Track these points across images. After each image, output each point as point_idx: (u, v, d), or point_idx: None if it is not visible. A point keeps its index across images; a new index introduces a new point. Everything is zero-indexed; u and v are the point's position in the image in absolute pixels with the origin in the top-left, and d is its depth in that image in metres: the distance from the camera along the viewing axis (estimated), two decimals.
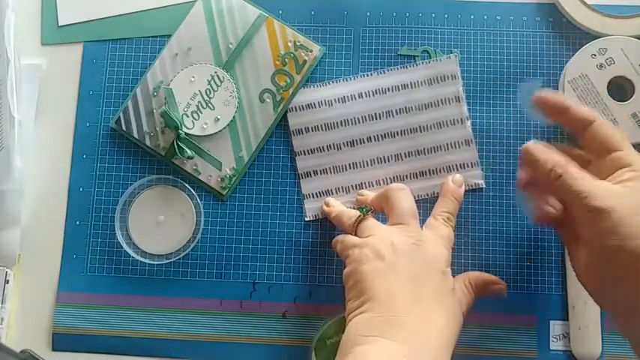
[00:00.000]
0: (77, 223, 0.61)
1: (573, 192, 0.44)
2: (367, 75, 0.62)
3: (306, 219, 0.60)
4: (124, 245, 0.60)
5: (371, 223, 0.53)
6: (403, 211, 0.52)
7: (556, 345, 0.58)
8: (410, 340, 0.45)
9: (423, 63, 0.62)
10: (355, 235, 0.53)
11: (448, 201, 0.56)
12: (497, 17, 0.63)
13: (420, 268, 0.49)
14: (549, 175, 0.46)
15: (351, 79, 0.62)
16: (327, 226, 0.60)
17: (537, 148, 0.49)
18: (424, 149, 0.60)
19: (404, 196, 0.53)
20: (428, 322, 0.47)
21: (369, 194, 0.58)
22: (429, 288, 0.48)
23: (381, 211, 0.55)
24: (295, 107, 0.61)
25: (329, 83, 0.62)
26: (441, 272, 0.50)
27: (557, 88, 0.61)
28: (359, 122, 0.61)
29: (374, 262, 0.49)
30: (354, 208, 0.58)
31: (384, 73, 0.62)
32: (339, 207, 0.58)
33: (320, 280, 0.59)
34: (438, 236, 0.52)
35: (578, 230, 0.46)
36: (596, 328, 0.57)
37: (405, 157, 0.60)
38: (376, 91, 0.61)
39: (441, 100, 0.60)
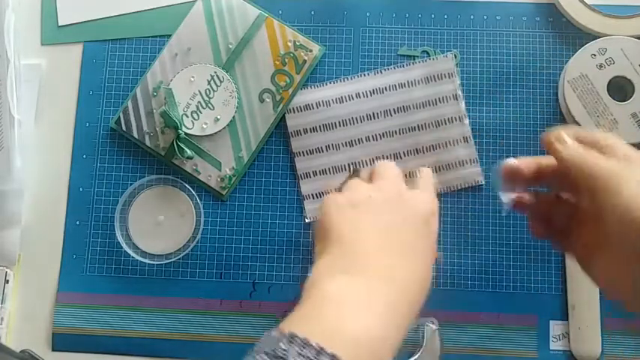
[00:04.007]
0: (77, 223, 0.61)
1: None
2: (364, 75, 0.62)
3: (307, 220, 0.60)
4: (124, 245, 0.60)
5: (356, 181, 0.49)
6: (388, 174, 0.48)
7: (556, 345, 0.57)
8: (373, 276, 0.41)
9: (420, 62, 0.62)
10: None
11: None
12: (497, 17, 0.63)
13: (397, 218, 0.45)
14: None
15: (348, 79, 0.62)
16: None
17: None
18: (422, 147, 0.60)
19: (391, 166, 0.49)
20: (396, 265, 0.42)
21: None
22: (404, 238, 0.44)
23: None
24: (293, 109, 0.61)
25: (326, 84, 0.62)
26: (422, 221, 0.45)
27: (557, 88, 0.61)
28: (357, 122, 0.61)
29: (345, 210, 0.45)
30: None
31: (381, 72, 0.62)
32: None
33: None
34: (424, 188, 0.49)
35: (596, 229, 0.42)
36: (596, 328, 0.57)
37: (404, 155, 0.60)
38: (374, 90, 0.61)
39: (439, 99, 0.60)
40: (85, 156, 0.62)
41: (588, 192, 0.41)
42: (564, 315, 0.58)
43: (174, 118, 0.60)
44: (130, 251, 0.60)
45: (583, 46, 0.60)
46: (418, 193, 0.47)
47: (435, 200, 0.48)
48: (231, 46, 0.62)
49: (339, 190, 0.51)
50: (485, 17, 0.63)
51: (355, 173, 0.52)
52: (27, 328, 0.60)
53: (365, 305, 0.39)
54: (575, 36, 0.62)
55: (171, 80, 0.62)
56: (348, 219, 0.44)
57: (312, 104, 0.61)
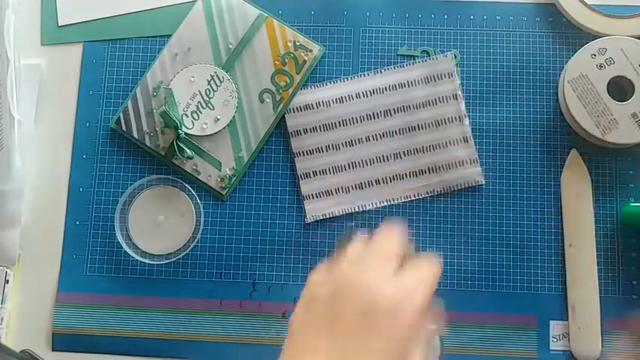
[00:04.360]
0: (77, 223, 0.61)
1: None
2: (364, 75, 0.62)
3: (307, 221, 0.60)
4: (124, 245, 0.60)
5: (341, 255, 0.44)
6: (379, 251, 0.43)
7: (556, 345, 0.57)
8: None
9: (420, 62, 0.62)
10: None
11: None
12: (497, 17, 0.63)
13: (359, 323, 0.39)
14: None
15: (348, 79, 0.62)
16: (327, 226, 0.60)
17: None
18: (423, 147, 0.60)
19: (388, 242, 0.43)
20: None
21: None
22: (365, 353, 0.38)
23: None
24: (293, 109, 0.61)
25: (326, 84, 0.62)
26: (398, 337, 0.39)
27: (557, 88, 0.61)
28: (357, 122, 0.61)
29: (302, 315, 0.42)
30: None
31: (381, 72, 0.62)
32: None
33: None
34: (412, 275, 0.41)
35: None
36: (596, 328, 0.57)
37: (404, 155, 0.60)
38: (374, 90, 0.61)
39: (439, 99, 0.60)
40: (85, 156, 0.62)
41: None
42: (564, 315, 0.58)
43: (174, 118, 0.60)
44: (130, 251, 0.60)
45: (583, 46, 0.60)
46: (396, 286, 0.40)
47: (425, 289, 0.40)
48: (231, 46, 0.62)
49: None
50: (485, 17, 0.63)
51: (348, 231, 0.45)
52: (27, 328, 0.60)
53: None
54: (575, 36, 0.62)
55: (171, 80, 0.62)
56: (300, 329, 0.41)
57: (312, 104, 0.61)
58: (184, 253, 0.60)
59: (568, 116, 0.60)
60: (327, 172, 0.61)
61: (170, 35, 0.63)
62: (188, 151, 0.60)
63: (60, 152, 0.62)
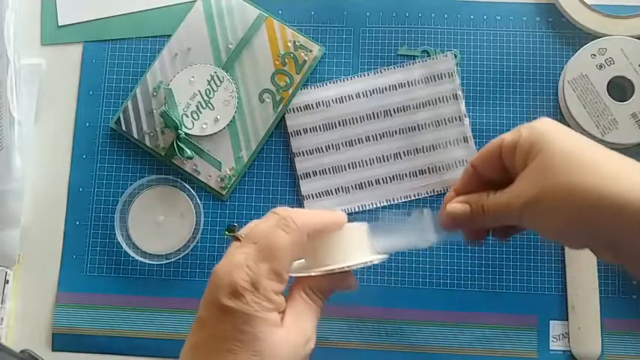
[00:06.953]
0: (77, 223, 0.61)
1: (502, 209, 0.40)
2: (364, 75, 0.62)
3: None
4: (124, 245, 0.60)
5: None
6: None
7: (556, 345, 0.57)
8: None
9: (420, 62, 0.62)
10: None
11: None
12: (497, 17, 0.63)
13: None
14: (478, 217, 0.41)
15: (348, 79, 0.62)
16: None
17: (454, 210, 0.42)
18: (423, 147, 0.60)
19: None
20: None
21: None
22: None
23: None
24: (293, 109, 0.61)
25: (326, 84, 0.62)
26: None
27: (557, 88, 0.61)
28: (357, 122, 0.61)
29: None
30: None
31: (381, 72, 0.62)
32: None
33: None
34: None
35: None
36: (596, 328, 0.57)
37: (404, 155, 0.60)
38: (374, 90, 0.61)
39: (439, 98, 0.60)
40: (85, 156, 0.62)
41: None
42: (564, 315, 0.58)
43: (174, 118, 0.60)
44: (130, 251, 0.60)
45: (583, 46, 0.60)
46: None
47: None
48: (231, 46, 0.62)
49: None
50: (485, 17, 0.63)
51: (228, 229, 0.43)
52: (27, 328, 0.60)
53: None
54: (575, 36, 0.62)
55: (171, 80, 0.62)
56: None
57: (312, 104, 0.61)
58: (184, 253, 0.60)
59: (568, 116, 0.60)
60: (327, 172, 0.61)
61: (170, 35, 0.63)
62: (188, 151, 0.60)
63: (60, 152, 0.62)
